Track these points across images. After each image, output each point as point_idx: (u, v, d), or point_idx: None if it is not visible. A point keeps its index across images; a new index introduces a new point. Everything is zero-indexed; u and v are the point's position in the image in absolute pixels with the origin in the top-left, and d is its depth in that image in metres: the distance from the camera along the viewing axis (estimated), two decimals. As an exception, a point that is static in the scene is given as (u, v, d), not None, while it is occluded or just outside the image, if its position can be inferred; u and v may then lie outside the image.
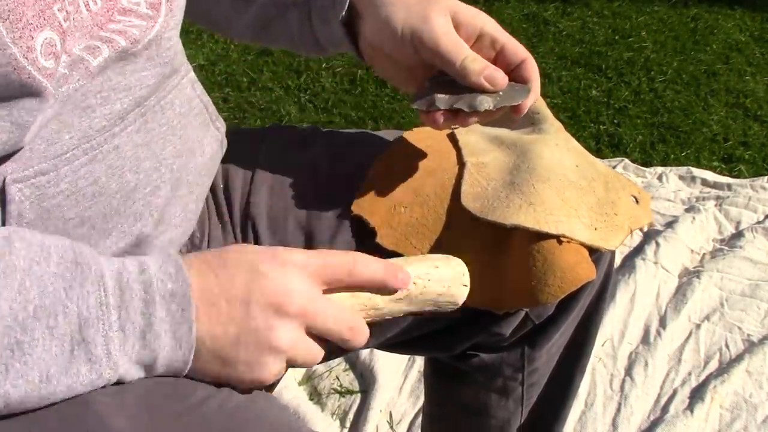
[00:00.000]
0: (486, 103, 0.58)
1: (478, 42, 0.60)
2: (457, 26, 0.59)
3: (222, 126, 0.68)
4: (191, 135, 0.60)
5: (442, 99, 0.59)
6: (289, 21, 0.68)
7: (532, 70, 0.60)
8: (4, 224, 0.46)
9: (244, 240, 0.68)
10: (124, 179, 0.53)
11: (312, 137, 0.75)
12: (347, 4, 0.62)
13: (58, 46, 0.45)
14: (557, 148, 0.66)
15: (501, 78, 0.58)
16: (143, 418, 0.46)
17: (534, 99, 0.61)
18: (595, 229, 0.63)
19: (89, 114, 0.49)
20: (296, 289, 0.45)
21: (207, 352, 0.46)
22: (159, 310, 0.43)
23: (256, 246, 0.48)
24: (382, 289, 0.50)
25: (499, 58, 0.60)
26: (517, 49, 0.60)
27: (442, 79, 0.60)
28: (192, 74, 0.62)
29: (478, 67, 0.57)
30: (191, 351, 0.45)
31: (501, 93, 0.59)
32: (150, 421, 0.46)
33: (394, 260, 0.53)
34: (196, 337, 0.45)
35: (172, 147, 0.57)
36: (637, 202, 0.68)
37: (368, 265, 0.48)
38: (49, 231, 0.48)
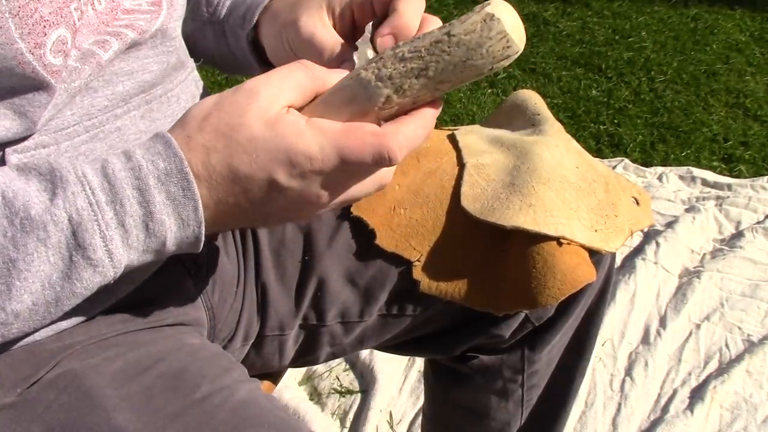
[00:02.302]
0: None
1: (359, 8, 0.55)
2: (331, 8, 0.56)
3: None
4: None
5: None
6: (208, 39, 0.68)
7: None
8: None
9: (243, 240, 0.68)
10: None
11: None
12: (255, 20, 0.61)
13: (69, 43, 0.45)
14: (557, 149, 0.66)
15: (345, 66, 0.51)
16: (146, 411, 0.46)
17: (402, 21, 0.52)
18: (596, 230, 0.62)
19: (91, 94, 0.49)
20: (323, 193, 0.43)
21: (226, 221, 0.44)
22: (156, 195, 0.40)
23: (264, 129, 0.41)
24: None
25: (376, 5, 0.55)
26: None
27: None
28: (195, 73, 0.62)
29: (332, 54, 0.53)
30: (201, 226, 0.42)
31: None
32: (153, 414, 0.46)
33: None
34: (209, 213, 0.43)
35: None
36: (637, 203, 0.68)
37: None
38: None
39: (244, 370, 0.57)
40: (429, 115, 0.44)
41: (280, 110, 0.42)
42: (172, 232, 0.42)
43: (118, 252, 0.41)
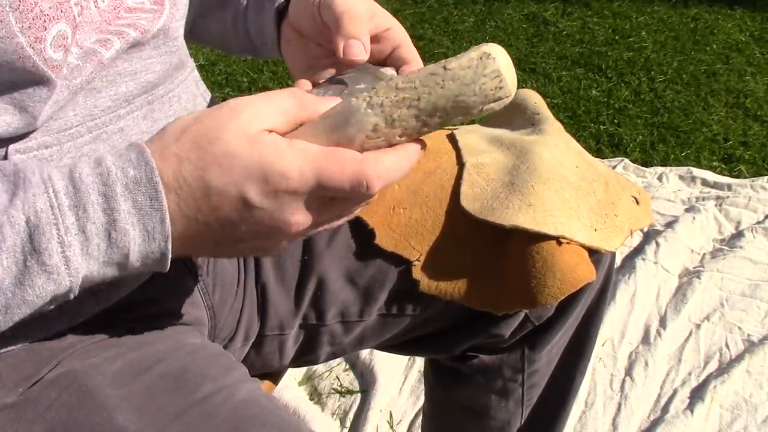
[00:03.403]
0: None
1: (383, 33, 0.57)
2: (371, 15, 0.56)
3: None
4: None
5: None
6: (227, 12, 0.68)
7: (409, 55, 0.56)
8: None
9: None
10: None
11: None
12: None
13: (69, 38, 0.45)
14: (557, 148, 0.66)
15: (357, 51, 0.52)
16: (148, 411, 0.46)
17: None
18: (595, 230, 0.62)
19: (94, 95, 0.49)
20: (293, 219, 0.41)
21: (194, 243, 0.42)
22: (122, 203, 0.38)
23: (242, 144, 0.40)
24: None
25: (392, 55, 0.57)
26: (408, 51, 0.57)
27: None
28: (196, 73, 0.63)
29: (350, 30, 0.53)
30: (168, 241, 0.40)
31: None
32: (154, 414, 0.46)
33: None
34: (176, 229, 0.40)
35: None
36: (637, 203, 0.68)
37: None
38: None
39: (245, 370, 0.57)
40: (412, 149, 0.43)
41: (261, 130, 0.41)
42: (136, 244, 0.40)
43: (75, 260, 0.38)
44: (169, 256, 0.41)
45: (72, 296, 0.40)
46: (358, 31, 0.52)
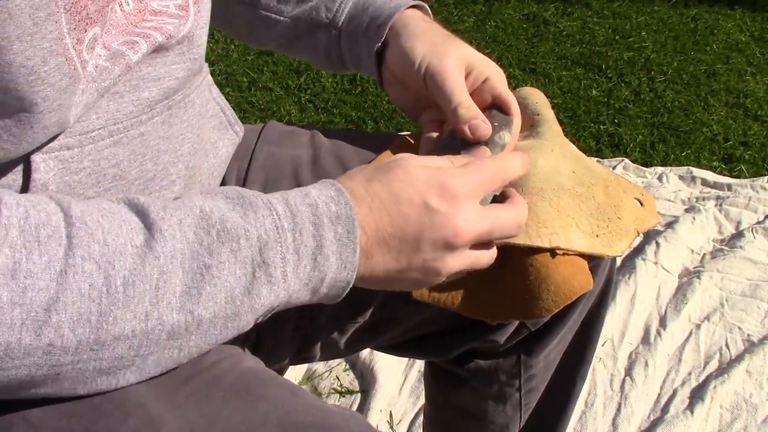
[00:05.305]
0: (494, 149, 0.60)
1: (481, 85, 0.64)
2: (468, 71, 0.63)
3: (241, 130, 0.68)
4: (206, 136, 0.61)
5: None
6: (318, 39, 0.72)
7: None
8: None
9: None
10: (145, 167, 0.54)
11: (308, 135, 0.75)
12: (384, 37, 0.66)
13: (98, 40, 0.46)
14: (552, 154, 0.65)
15: (483, 130, 0.59)
16: (157, 379, 0.46)
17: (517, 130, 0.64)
18: (597, 236, 0.61)
19: (117, 99, 0.50)
20: (465, 223, 0.47)
21: (372, 277, 0.48)
22: (327, 232, 0.44)
23: (420, 170, 0.48)
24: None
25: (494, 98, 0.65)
26: (508, 103, 0.64)
27: (447, 142, 0.62)
28: (209, 77, 0.63)
29: (468, 115, 0.60)
30: (354, 272, 0.46)
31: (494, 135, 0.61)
32: (165, 379, 0.46)
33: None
34: (365, 265, 0.47)
35: (189, 144, 0.58)
36: (641, 204, 0.67)
37: (513, 169, 0.52)
38: None
39: (248, 352, 0.58)
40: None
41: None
42: (332, 270, 0.45)
43: (290, 275, 0.44)
44: (350, 286, 0.47)
45: (268, 315, 0.45)
46: (473, 109, 0.60)
